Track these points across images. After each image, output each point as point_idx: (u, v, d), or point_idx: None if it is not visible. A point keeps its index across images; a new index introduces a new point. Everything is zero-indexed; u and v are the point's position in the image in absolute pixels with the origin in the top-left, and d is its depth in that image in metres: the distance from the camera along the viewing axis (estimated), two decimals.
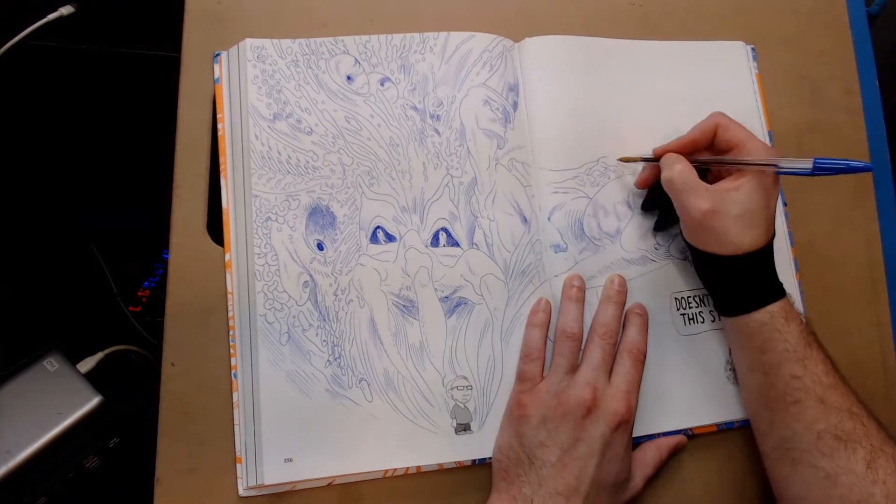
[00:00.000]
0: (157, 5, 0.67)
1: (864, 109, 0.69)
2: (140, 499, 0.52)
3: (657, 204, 0.59)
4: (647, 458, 0.54)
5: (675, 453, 0.56)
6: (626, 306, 0.57)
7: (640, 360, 0.54)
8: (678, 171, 0.52)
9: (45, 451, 0.57)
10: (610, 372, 0.53)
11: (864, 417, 0.49)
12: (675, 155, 0.54)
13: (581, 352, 0.54)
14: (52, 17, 0.70)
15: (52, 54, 0.74)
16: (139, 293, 0.87)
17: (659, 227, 0.59)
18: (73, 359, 0.63)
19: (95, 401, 0.59)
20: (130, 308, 0.83)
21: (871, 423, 0.49)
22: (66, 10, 0.71)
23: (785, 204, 0.64)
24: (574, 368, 0.53)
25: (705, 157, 0.55)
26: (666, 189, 0.54)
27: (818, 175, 0.49)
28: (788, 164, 0.50)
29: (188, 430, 0.53)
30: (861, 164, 0.48)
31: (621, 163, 0.59)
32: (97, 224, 0.87)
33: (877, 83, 0.70)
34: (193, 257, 0.55)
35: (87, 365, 0.65)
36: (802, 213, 0.65)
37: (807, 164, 0.49)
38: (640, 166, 0.59)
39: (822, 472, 0.48)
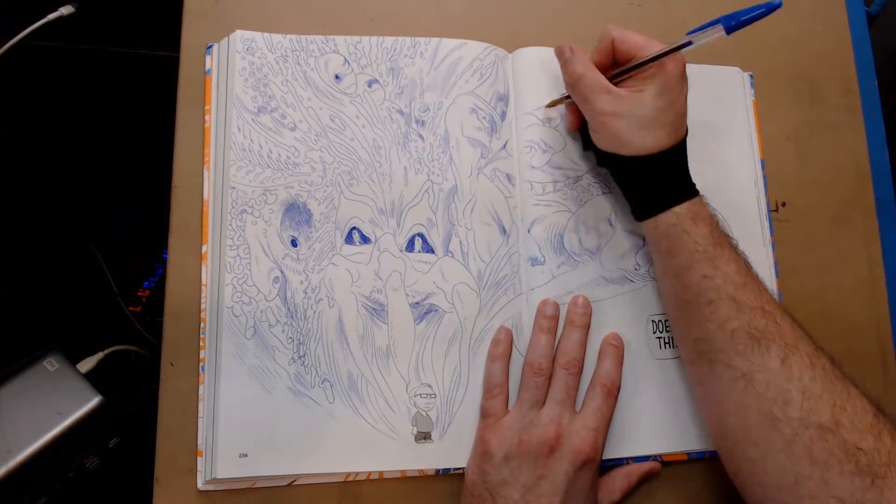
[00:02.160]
0: (157, 5, 0.67)
1: (864, 109, 0.68)
2: (140, 499, 0.52)
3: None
4: (616, 484, 0.53)
5: (645, 480, 0.55)
6: (603, 334, 0.56)
7: (613, 394, 0.53)
8: (579, 75, 0.51)
9: (45, 451, 0.57)
10: (575, 403, 0.52)
11: (777, 315, 0.48)
12: (578, 59, 0.52)
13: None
14: (52, 17, 0.71)
15: (52, 54, 0.74)
16: (139, 293, 0.87)
17: (587, 147, 0.59)
18: (73, 359, 0.63)
19: (95, 401, 0.59)
20: (130, 308, 0.83)
21: (785, 321, 0.48)
22: (66, 10, 0.71)
23: (772, 234, 0.63)
24: (540, 403, 0.52)
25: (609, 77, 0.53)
26: (571, 94, 0.54)
27: (734, 31, 0.47)
28: (701, 38, 0.49)
29: (187, 430, 0.53)
30: (765, 6, 0.46)
31: (548, 110, 0.60)
32: (97, 224, 0.87)
33: (876, 83, 0.69)
34: (192, 257, 0.55)
35: (87, 365, 0.65)
36: (801, 212, 0.64)
37: (717, 31, 0.48)
38: None
39: (737, 371, 0.47)
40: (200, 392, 0.53)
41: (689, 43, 0.49)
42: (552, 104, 0.59)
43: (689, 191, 0.51)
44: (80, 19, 0.73)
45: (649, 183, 0.51)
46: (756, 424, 0.46)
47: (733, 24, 0.47)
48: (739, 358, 0.47)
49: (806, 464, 0.44)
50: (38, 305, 0.82)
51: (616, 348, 0.55)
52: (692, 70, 0.63)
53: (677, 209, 0.50)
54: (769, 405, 0.46)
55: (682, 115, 0.51)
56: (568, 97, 0.56)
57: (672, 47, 0.49)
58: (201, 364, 0.53)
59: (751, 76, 0.66)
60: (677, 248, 0.50)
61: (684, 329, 0.52)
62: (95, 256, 0.84)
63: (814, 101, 0.67)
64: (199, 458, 0.52)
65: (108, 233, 0.86)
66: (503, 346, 0.54)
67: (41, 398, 0.59)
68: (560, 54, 0.54)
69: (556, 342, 0.55)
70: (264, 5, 0.60)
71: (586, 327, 0.55)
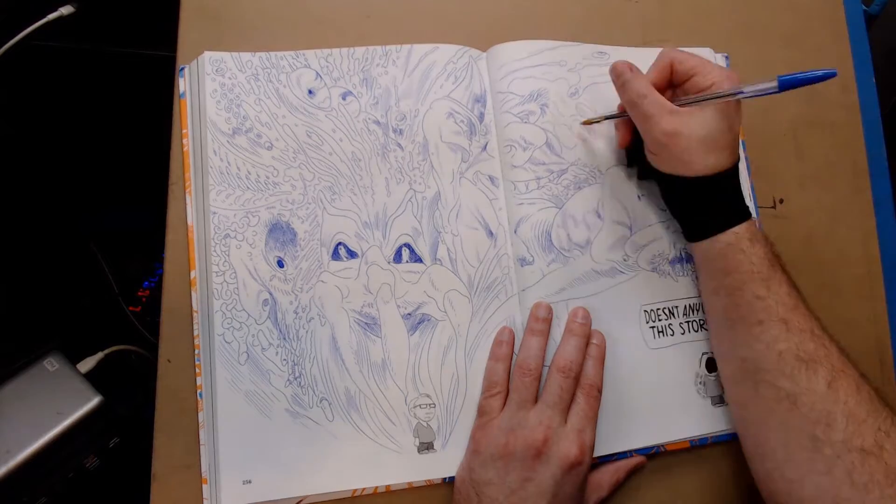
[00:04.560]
0: (157, 5, 0.67)
1: (861, 106, 0.68)
2: (140, 499, 0.52)
3: (639, 158, 0.58)
4: (604, 480, 0.53)
5: (632, 473, 0.55)
6: (596, 329, 0.56)
7: (594, 395, 0.52)
8: (642, 94, 0.52)
9: (45, 451, 0.57)
10: (568, 408, 0.51)
11: (825, 340, 0.49)
12: (639, 78, 0.53)
13: (541, 385, 0.53)
14: (52, 17, 0.71)
15: (52, 54, 0.75)
16: (139, 293, 0.87)
17: (642, 176, 0.60)
18: (73, 359, 0.63)
19: (95, 401, 0.60)
20: (130, 308, 0.83)
21: (833, 346, 0.49)
22: (66, 10, 0.72)
23: (758, 215, 0.64)
24: (528, 404, 0.51)
25: (669, 95, 0.54)
26: (629, 112, 0.54)
27: (785, 90, 0.48)
28: (753, 88, 0.49)
29: (184, 426, 0.53)
30: (822, 72, 0.47)
31: (583, 128, 0.60)
32: (97, 224, 0.87)
33: (873, 80, 0.69)
34: (189, 254, 0.55)
35: (87, 365, 0.65)
36: (799, 209, 0.64)
37: (772, 84, 0.48)
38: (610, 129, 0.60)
39: (782, 391, 0.48)
40: (200, 419, 0.53)
41: (742, 92, 0.50)
42: (590, 122, 0.59)
43: (744, 212, 0.52)
44: (80, 19, 0.73)
45: (708, 204, 0.52)
46: (798, 445, 0.46)
47: (786, 80, 0.48)
48: (785, 379, 0.48)
49: (846, 487, 0.44)
50: (38, 305, 0.82)
51: (597, 347, 0.54)
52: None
53: (736, 230, 0.51)
54: (812, 427, 0.46)
55: (738, 137, 0.52)
56: (615, 115, 0.57)
57: (727, 93, 0.50)
58: (198, 391, 0.53)
59: (726, 57, 0.65)
60: (732, 267, 0.51)
61: (730, 348, 0.52)
62: (95, 256, 0.84)
63: (811, 99, 0.67)
64: (204, 486, 0.52)
65: (109, 233, 0.87)
66: (506, 346, 0.54)
67: (41, 398, 0.59)
68: (618, 74, 0.54)
69: (549, 345, 0.55)
70: (262, 3, 0.60)
71: (586, 337, 0.54)
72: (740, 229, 0.51)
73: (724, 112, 0.51)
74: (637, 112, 0.52)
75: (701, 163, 0.50)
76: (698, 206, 0.52)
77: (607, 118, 0.58)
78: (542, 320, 0.54)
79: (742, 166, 0.63)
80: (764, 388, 0.49)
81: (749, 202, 0.61)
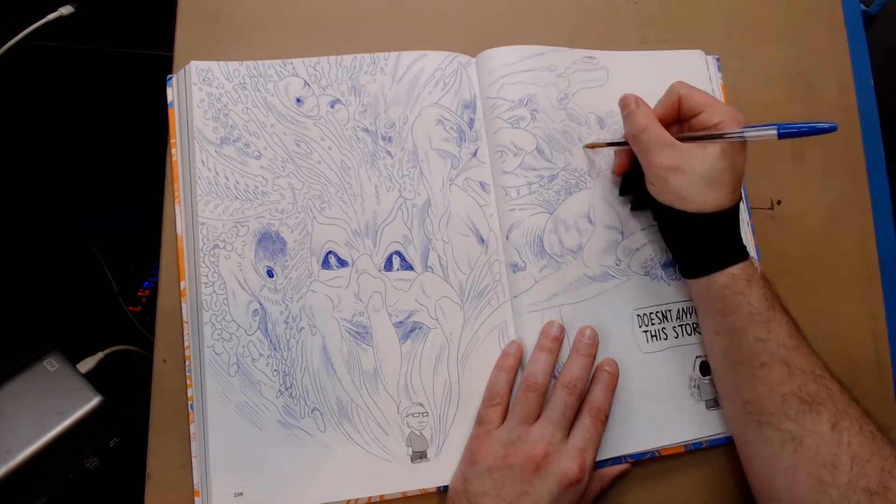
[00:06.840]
0: (156, 6, 0.66)
1: (859, 107, 0.68)
2: (140, 499, 0.52)
3: (633, 188, 0.58)
4: (588, 489, 0.52)
5: (617, 480, 0.55)
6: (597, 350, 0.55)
7: (601, 419, 0.52)
8: (643, 127, 0.52)
9: (45, 451, 0.57)
10: (570, 426, 0.51)
11: (827, 380, 0.49)
12: (642, 111, 0.53)
13: (544, 401, 0.52)
14: (52, 17, 0.71)
15: (52, 54, 0.74)
16: (139, 293, 0.87)
17: (635, 207, 0.59)
18: (73, 359, 0.63)
19: (95, 401, 0.59)
20: (130, 308, 0.83)
21: (835, 386, 0.49)
22: (66, 10, 0.72)
23: (750, 216, 0.63)
24: (531, 419, 0.51)
25: (673, 132, 0.54)
26: (631, 144, 0.53)
27: (784, 139, 0.48)
28: (753, 133, 0.49)
29: (179, 426, 0.52)
30: (825, 125, 0.46)
31: (587, 150, 0.59)
32: (97, 224, 0.87)
33: (872, 81, 0.69)
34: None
35: (87, 365, 0.65)
36: (797, 210, 0.64)
37: (771, 132, 0.48)
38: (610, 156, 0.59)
39: (787, 434, 0.48)
40: (191, 431, 0.52)
41: (741, 134, 0.50)
42: (592, 146, 0.59)
43: (742, 252, 0.51)
44: (80, 19, 0.73)
45: (705, 241, 0.51)
46: (804, 488, 0.47)
47: (785, 131, 0.47)
48: (790, 422, 0.48)
49: None
50: (38, 305, 0.82)
51: (610, 375, 0.54)
52: (653, 57, 0.63)
53: (733, 270, 0.50)
54: (818, 469, 0.46)
55: (741, 178, 0.51)
56: (618, 143, 0.57)
57: (727, 134, 0.50)
58: (189, 402, 0.53)
59: (717, 59, 0.65)
60: (731, 308, 0.50)
61: (733, 389, 0.52)
62: (95, 256, 0.84)
63: (809, 99, 0.67)
64: (196, 499, 0.51)
65: (109, 233, 0.86)
66: (512, 359, 0.54)
67: (41, 398, 0.59)
68: (625, 105, 0.54)
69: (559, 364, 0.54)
70: (261, 2, 0.60)
71: (592, 357, 0.54)
72: (737, 270, 0.50)
73: (728, 151, 0.50)
74: (637, 144, 0.52)
75: (699, 199, 0.50)
76: (694, 242, 0.52)
77: (610, 144, 0.58)
78: (553, 338, 0.54)
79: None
80: (769, 430, 0.49)
81: (742, 203, 0.61)
